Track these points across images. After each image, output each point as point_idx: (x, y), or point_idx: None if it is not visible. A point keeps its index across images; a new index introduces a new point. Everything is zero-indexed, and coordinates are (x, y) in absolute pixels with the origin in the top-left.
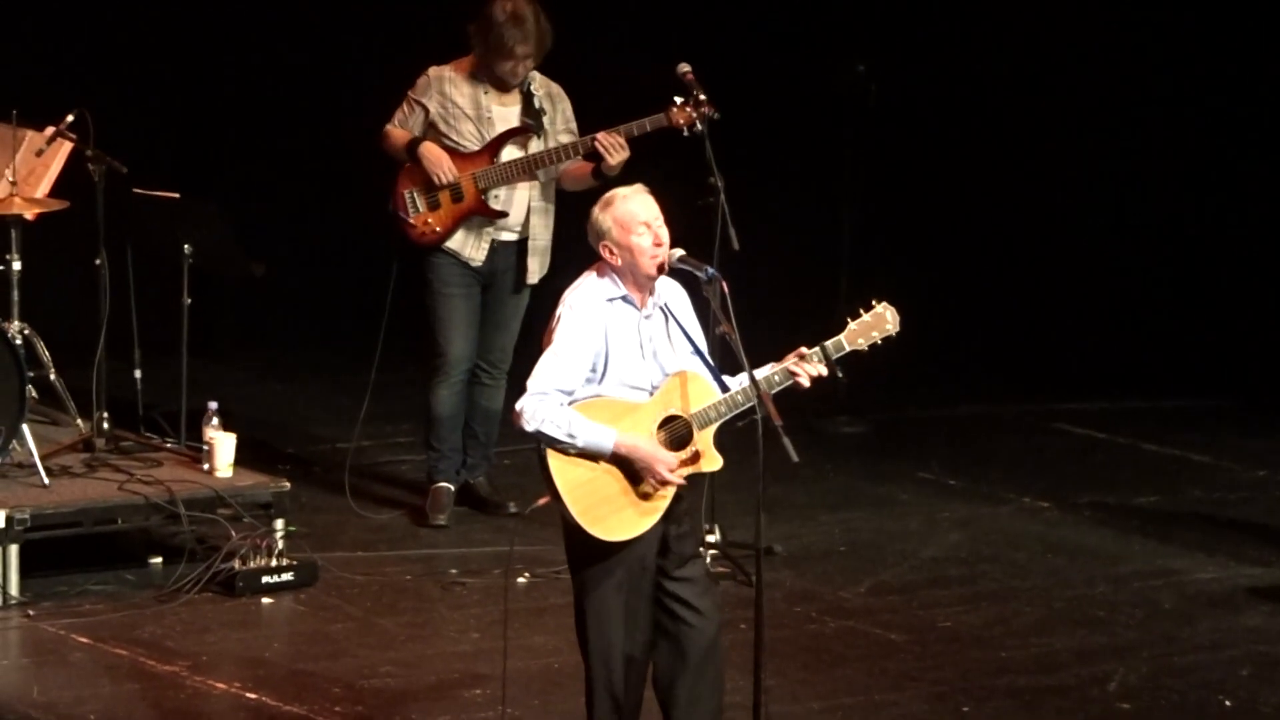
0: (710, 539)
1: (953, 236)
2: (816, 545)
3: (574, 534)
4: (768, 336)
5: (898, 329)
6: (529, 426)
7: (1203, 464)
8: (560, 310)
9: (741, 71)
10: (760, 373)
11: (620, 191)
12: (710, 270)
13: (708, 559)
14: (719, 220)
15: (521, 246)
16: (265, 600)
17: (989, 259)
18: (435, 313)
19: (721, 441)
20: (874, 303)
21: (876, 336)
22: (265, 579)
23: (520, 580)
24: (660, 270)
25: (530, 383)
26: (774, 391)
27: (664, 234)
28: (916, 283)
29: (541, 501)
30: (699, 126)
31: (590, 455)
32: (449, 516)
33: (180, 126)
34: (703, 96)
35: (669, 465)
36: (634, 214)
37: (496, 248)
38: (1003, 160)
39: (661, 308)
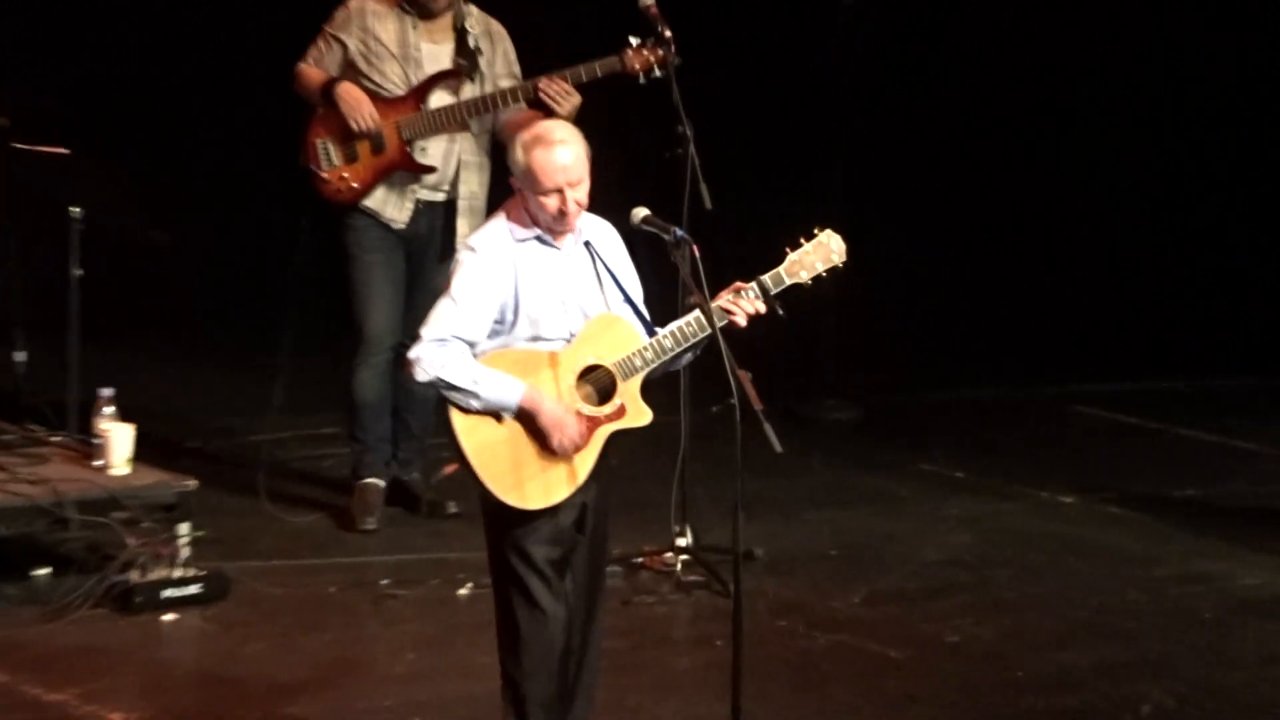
0: (681, 543)
1: (957, 205)
2: (803, 548)
3: (488, 505)
4: None
5: (844, 259)
6: (425, 375)
7: (1246, 451)
8: (460, 254)
9: (719, 28)
10: (691, 318)
11: (555, 134)
12: (678, 232)
13: (678, 566)
14: (689, 175)
15: (450, 207)
16: (167, 617)
17: (997, 226)
18: (352, 282)
19: (691, 430)
20: (816, 231)
21: (821, 268)
22: (167, 592)
23: (462, 592)
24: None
25: (425, 330)
26: (704, 335)
27: (577, 199)
28: (914, 252)
29: (448, 469)
30: (657, 73)
31: (494, 413)
32: (379, 518)
33: (74, 81)
34: (667, 33)
35: (572, 436)
36: (551, 171)
37: (421, 208)
38: (1014, 128)
39: (585, 244)
